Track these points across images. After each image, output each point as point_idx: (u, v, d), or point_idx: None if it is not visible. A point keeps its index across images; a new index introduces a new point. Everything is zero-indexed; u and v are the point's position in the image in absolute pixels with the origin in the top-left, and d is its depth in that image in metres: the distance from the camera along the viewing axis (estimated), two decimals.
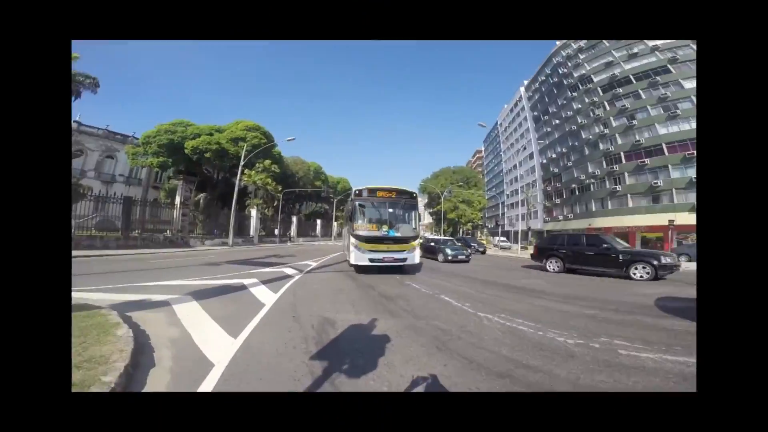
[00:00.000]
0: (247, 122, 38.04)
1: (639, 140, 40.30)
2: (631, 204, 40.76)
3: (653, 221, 36.67)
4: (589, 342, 4.29)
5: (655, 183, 37.84)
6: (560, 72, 55.27)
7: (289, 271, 11.37)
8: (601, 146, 45.27)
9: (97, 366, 2.84)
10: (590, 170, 46.61)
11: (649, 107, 40.48)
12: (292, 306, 6.10)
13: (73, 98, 16.18)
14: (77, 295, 6.02)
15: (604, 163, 44.75)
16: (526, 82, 70.41)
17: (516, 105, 74.38)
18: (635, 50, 43.54)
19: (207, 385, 2.90)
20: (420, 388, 2.95)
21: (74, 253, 14.01)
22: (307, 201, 63.12)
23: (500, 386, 3.00)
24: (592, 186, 46.61)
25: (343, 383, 3.00)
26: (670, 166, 37.27)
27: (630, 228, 39.99)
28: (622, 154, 42.33)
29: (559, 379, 3.16)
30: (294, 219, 46.58)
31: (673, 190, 36.51)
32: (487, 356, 3.74)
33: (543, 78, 61.70)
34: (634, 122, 41.24)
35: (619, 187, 41.97)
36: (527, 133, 66.69)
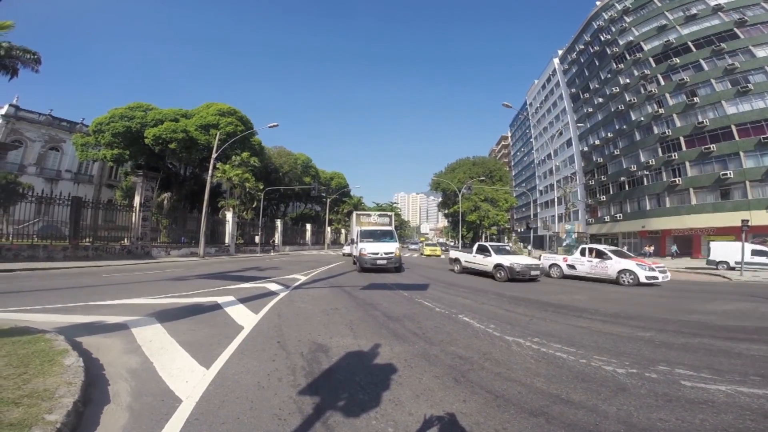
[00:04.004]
0: (220, 105, 38.34)
1: (702, 122, 40.06)
2: (694, 201, 40.49)
3: (722, 221, 36.36)
4: (644, 371, 4.26)
5: (723, 174, 37.58)
6: (602, 39, 55.17)
7: (272, 286, 11.41)
8: (656, 130, 45.05)
9: (40, 402, 2.85)
10: (642, 159, 46.40)
11: (713, 81, 40.31)
12: (276, 329, 6.12)
13: (8, 77, 16.32)
14: (16, 317, 6.08)
15: (659, 150, 44.52)
16: (560, 52, 70.48)
17: (549, 80, 74.35)
18: (694, 11, 43.38)
19: (173, 426, 2.91)
20: (434, 431, 2.93)
21: (12, 266, 14.20)
22: (294, 201, 63.45)
23: (533, 427, 2.98)
24: (645, 179, 46.38)
25: (338, 424, 3.00)
26: (742, 154, 37.02)
27: (693, 230, 39.68)
28: (681, 139, 42.11)
29: (608, 417, 3.13)
30: (278, 223, 46.79)
31: (747, 182, 36.22)
32: (516, 390, 3.72)
33: (581, 47, 61.63)
34: (696, 100, 41.04)
35: (678, 180, 41.73)
36: (563, 114, 66.61)
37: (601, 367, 4.40)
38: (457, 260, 18.46)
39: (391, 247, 17.14)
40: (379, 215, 22.83)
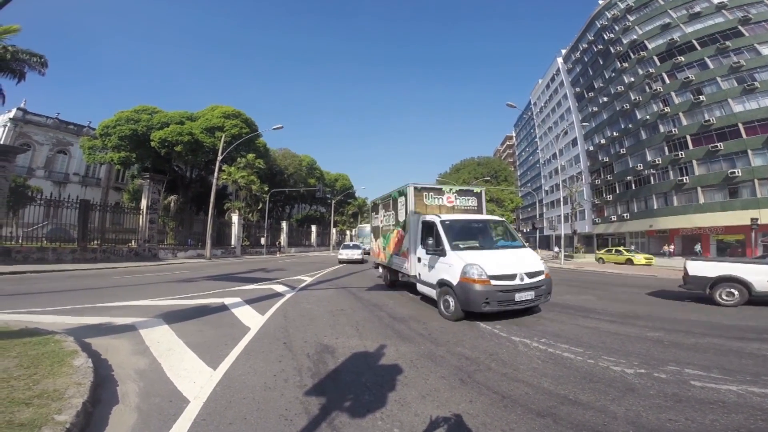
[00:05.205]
0: (225, 108, 38.56)
1: (709, 120, 39.67)
2: (702, 199, 40.07)
3: (731, 220, 35.98)
4: (653, 371, 4.22)
5: (731, 172, 37.18)
6: (605, 38, 54.85)
7: (278, 288, 11.44)
8: (662, 128, 44.69)
9: (50, 402, 2.88)
10: (649, 158, 46.04)
11: (718, 79, 39.91)
12: (282, 330, 6.13)
13: (15, 81, 16.57)
14: (26, 318, 6.15)
15: (666, 149, 44.15)
16: (564, 52, 70.12)
17: (553, 80, 74.02)
18: (697, 9, 43.05)
19: (181, 427, 2.93)
20: (440, 431, 2.93)
21: (22, 268, 14.35)
22: (299, 203, 63.64)
23: (540, 427, 2.96)
24: (652, 178, 46.01)
25: (344, 424, 3.00)
26: (750, 152, 36.59)
27: (702, 229, 39.27)
28: (688, 137, 41.73)
29: (616, 418, 3.11)
30: (284, 225, 46.95)
31: (755, 181, 35.80)
32: (523, 390, 3.70)
33: (585, 46, 61.29)
34: (702, 98, 40.65)
35: (686, 179, 41.34)
36: (568, 114, 66.26)
37: (609, 367, 4.36)
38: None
39: (533, 262, 7.55)
40: (459, 193, 10.20)
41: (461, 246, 7.72)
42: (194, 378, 3.94)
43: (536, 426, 2.97)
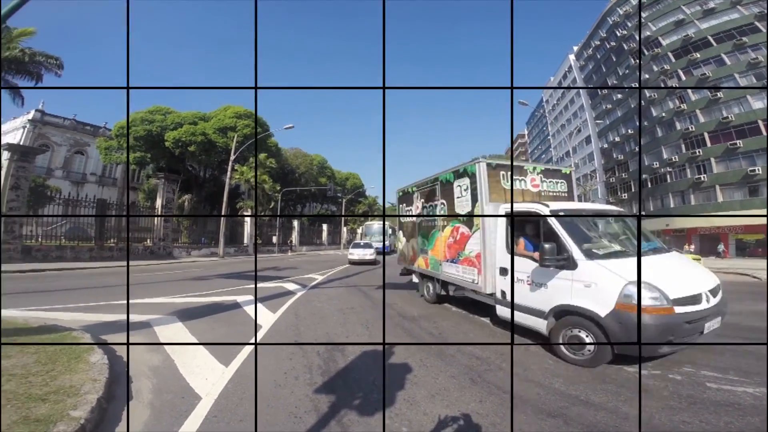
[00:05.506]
0: (237, 108, 38.93)
1: (727, 117, 38.70)
2: (720, 198, 39.12)
3: (751, 219, 35.05)
4: (667, 373, 4.14)
5: (751, 171, 36.21)
6: (618, 34, 53.86)
7: (290, 286, 11.52)
8: (678, 126, 43.73)
9: (65, 398, 2.95)
10: (665, 156, 45.09)
11: (736, 75, 38.90)
12: (293, 328, 6.18)
13: (33, 82, 17.01)
14: (45, 315, 6.31)
15: (682, 146, 43.18)
16: (576, 49, 69.01)
17: (565, 77, 72.96)
18: (711, 5, 42.03)
19: (192, 423, 2.97)
20: (449, 430, 2.92)
21: (42, 266, 14.73)
22: (310, 202, 63.96)
23: (551, 428, 2.93)
24: (668, 176, 45.07)
25: (353, 422, 3.01)
26: None
27: (721, 228, 38.39)
28: (705, 134, 40.76)
29: (628, 419, 3.06)
30: (295, 224, 47.23)
31: None
32: (535, 391, 3.66)
33: (597, 42, 60.24)
34: (719, 95, 39.65)
35: (703, 177, 40.40)
36: (581, 111, 65.24)
37: (622, 368, 4.28)
38: None
39: (706, 273, 5.09)
40: (546, 174, 7.27)
41: (599, 252, 4.87)
42: (206, 375, 3.99)
43: (547, 426, 2.94)
